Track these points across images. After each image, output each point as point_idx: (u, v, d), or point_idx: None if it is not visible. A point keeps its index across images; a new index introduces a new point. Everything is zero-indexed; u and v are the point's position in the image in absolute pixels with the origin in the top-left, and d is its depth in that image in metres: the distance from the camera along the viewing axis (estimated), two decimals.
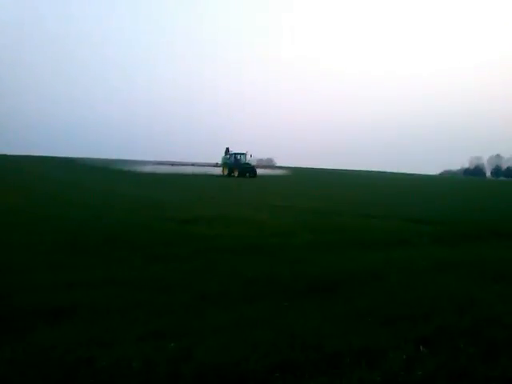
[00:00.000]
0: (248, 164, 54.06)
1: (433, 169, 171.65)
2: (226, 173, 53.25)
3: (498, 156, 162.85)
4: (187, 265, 6.90)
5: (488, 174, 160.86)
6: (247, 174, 51.45)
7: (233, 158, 54.50)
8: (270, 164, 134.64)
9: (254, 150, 56.44)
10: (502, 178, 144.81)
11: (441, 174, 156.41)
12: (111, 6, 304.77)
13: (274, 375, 3.40)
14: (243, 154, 54.76)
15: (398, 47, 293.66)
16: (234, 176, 51.26)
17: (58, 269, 6.47)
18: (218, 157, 58.53)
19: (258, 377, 3.36)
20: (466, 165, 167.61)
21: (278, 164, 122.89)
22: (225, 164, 54.78)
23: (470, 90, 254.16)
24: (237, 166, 52.68)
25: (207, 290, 5.58)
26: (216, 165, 59.67)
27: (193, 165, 65.20)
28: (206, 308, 4.96)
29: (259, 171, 55.60)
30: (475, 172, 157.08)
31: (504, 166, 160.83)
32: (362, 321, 4.71)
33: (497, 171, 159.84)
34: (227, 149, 55.72)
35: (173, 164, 66.20)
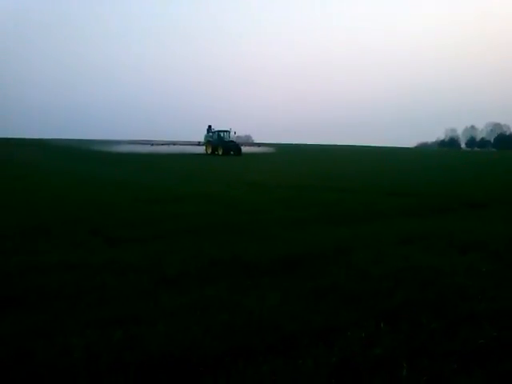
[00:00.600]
0: (232, 141, 52.27)
1: (409, 142, 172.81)
2: (209, 151, 51.34)
3: (472, 127, 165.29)
4: (150, 246, 6.65)
5: (463, 145, 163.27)
6: (231, 152, 49.69)
7: (216, 136, 52.42)
8: (248, 141, 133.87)
9: (232, 127, 53.28)
10: (476, 149, 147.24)
11: (417, 147, 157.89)
12: None
13: (224, 360, 3.23)
14: (227, 131, 52.76)
15: (369, 22, 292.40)
16: (218, 154, 49.48)
17: (12, 253, 6.16)
18: (199, 135, 57.09)
19: (207, 363, 3.18)
20: (442, 137, 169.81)
21: (256, 141, 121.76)
22: (208, 142, 52.72)
23: (442, 65, 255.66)
24: (221, 144, 50.73)
25: (168, 272, 5.36)
26: (199, 143, 57.49)
27: (174, 144, 62.99)
28: (164, 291, 4.75)
29: (243, 149, 53.74)
30: (450, 143, 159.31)
31: (478, 137, 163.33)
32: (324, 299, 4.58)
33: (471, 142, 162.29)
34: (209, 126, 53.67)
35: (152, 144, 63.95)
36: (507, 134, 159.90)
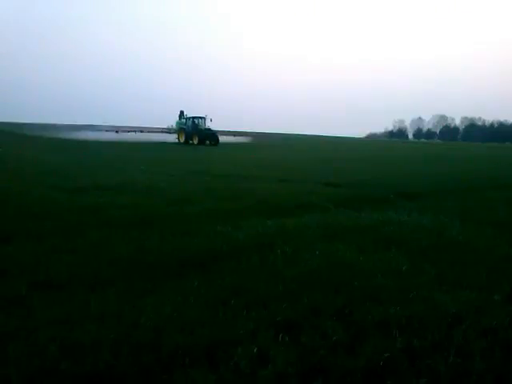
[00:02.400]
0: (209, 129, 45.85)
1: (359, 132, 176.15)
2: (182, 139, 45.85)
3: (419, 119, 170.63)
4: (46, 243, 5.92)
5: (410, 136, 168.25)
6: (207, 142, 44.34)
7: (190, 123, 46.35)
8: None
9: (207, 114, 47.21)
10: (422, 140, 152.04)
11: (366, 137, 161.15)
12: None
13: None
14: (202, 117, 46.77)
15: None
16: (192, 144, 43.99)
17: None
18: (167, 121, 53.10)
19: None
20: (390, 127, 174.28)
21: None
22: (181, 130, 46.88)
23: (391, 58, 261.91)
24: (197, 132, 44.98)
25: (54, 276, 4.70)
26: (169, 131, 52.00)
27: (141, 131, 57.30)
28: (40, 299, 4.11)
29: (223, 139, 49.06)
30: (398, 134, 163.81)
31: (425, 128, 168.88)
32: (226, 304, 4.09)
33: (418, 133, 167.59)
34: (182, 112, 48.20)
35: (118, 131, 57.59)
36: (452, 125, 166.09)
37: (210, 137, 44.85)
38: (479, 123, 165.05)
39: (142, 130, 60.13)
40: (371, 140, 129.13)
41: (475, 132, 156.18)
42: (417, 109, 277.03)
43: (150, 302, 4.16)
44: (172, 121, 50.97)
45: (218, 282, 4.65)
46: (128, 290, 4.45)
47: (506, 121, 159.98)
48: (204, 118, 46.72)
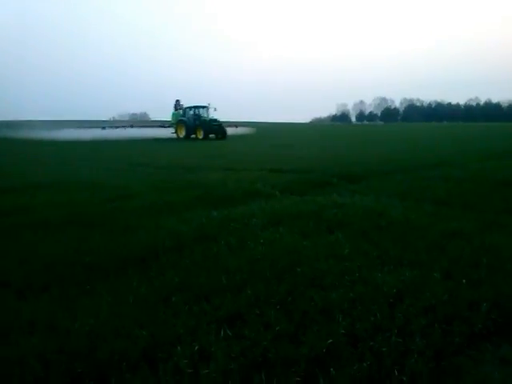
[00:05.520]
0: (215, 121, 38.50)
1: (304, 117, 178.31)
2: (182, 134, 38.98)
3: (361, 102, 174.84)
4: None
5: (353, 119, 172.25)
6: (211, 136, 37.54)
7: (191, 114, 39.36)
8: (144, 118, 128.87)
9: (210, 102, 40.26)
10: (365, 122, 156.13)
11: (311, 122, 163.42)
12: None
13: None
14: (204, 106, 39.45)
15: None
16: (196, 138, 37.44)
17: None
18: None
19: None
20: (334, 111, 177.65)
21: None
22: (180, 122, 39.57)
23: (333, 41, 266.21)
24: (201, 125, 37.78)
25: None
26: (164, 125, 44.50)
27: (131, 126, 49.47)
28: None
29: None
30: (342, 118, 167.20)
31: (367, 111, 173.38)
32: (167, 301, 3.94)
33: (361, 116, 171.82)
34: (177, 101, 41.52)
35: (105, 127, 49.40)
36: (392, 107, 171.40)
37: (216, 130, 38.09)
38: (418, 104, 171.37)
39: (132, 124, 52.13)
40: (315, 125, 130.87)
41: (414, 113, 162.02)
42: (359, 93, 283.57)
43: (85, 305, 3.95)
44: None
45: (160, 279, 4.48)
46: (63, 295, 4.20)
47: (442, 101, 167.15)
48: (207, 107, 39.54)
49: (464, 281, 4.30)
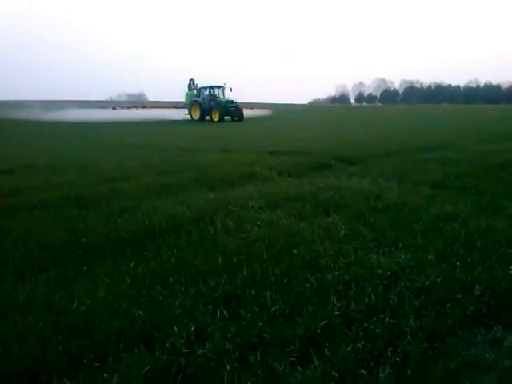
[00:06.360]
0: (232, 102, 36.40)
1: (303, 99, 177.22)
2: (196, 116, 36.84)
3: (360, 83, 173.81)
4: None
5: (352, 100, 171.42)
6: (227, 117, 35.73)
7: (206, 95, 37.14)
8: (142, 99, 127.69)
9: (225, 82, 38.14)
10: (364, 104, 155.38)
11: (310, 103, 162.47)
12: None
13: None
14: (220, 86, 37.41)
15: None
16: (211, 120, 35.56)
17: None
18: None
19: None
20: (333, 93, 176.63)
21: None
22: (194, 103, 37.34)
23: (331, 24, 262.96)
24: (217, 106, 35.76)
25: None
26: (177, 106, 41.92)
27: (144, 106, 46.97)
28: None
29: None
30: (341, 99, 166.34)
31: (366, 93, 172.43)
32: (164, 282, 3.98)
33: (360, 97, 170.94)
34: (192, 81, 39.11)
35: (115, 107, 46.82)
36: (391, 89, 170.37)
37: (233, 111, 36.16)
38: (417, 85, 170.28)
39: (144, 105, 49.12)
40: (314, 106, 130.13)
41: (414, 94, 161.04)
42: (358, 74, 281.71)
43: (83, 286, 3.99)
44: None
45: (157, 260, 4.52)
46: (60, 276, 4.23)
47: (442, 82, 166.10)
48: (223, 87, 37.47)
49: (458, 263, 4.34)
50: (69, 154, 13.55)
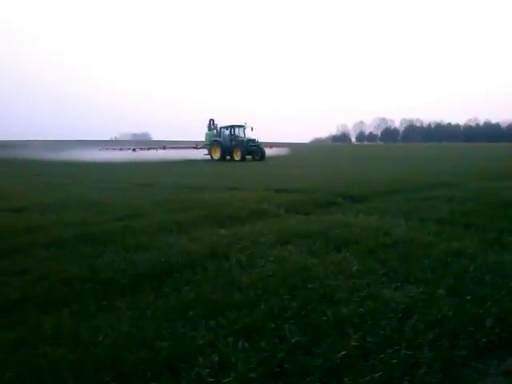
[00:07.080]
0: (253, 141, 36.76)
1: (305, 137, 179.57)
2: (216, 156, 36.90)
3: (361, 122, 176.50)
4: None
5: (353, 139, 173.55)
6: (249, 157, 35.99)
7: (227, 134, 37.71)
8: (146, 139, 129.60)
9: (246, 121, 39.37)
10: (365, 142, 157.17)
11: (312, 142, 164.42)
12: None
13: None
14: (241, 126, 37.93)
15: None
16: (232, 159, 35.73)
17: None
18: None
19: None
20: (334, 132, 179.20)
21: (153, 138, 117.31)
22: (215, 143, 37.54)
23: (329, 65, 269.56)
24: (239, 145, 36.30)
25: (2, 299, 4.54)
26: (197, 147, 41.79)
27: (164, 147, 45.90)
28: None
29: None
30: (342, 138, 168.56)
31: (367, 131, 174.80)
32: (184, 315, 4.11)
33: (361, 136, 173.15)
34: (212, 121, 39.60)
35: (134, 149, 46.10)
36: (392, 128, 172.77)
37: (255, 151, 36.59)
38: (417, 124, 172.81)
39: (164, 146, 47.43)
40: (316, 145, 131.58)
41: (414, 133, 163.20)
42: (358, 113, 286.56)
43: (106, 319, 4.11)
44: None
45: (175, 295, 4.65)
46: (83, 310, 4.37)
47: (441, 121, 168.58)
48: (244, 126, 37.95)
49: (469, 297, 4.46)
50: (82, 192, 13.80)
